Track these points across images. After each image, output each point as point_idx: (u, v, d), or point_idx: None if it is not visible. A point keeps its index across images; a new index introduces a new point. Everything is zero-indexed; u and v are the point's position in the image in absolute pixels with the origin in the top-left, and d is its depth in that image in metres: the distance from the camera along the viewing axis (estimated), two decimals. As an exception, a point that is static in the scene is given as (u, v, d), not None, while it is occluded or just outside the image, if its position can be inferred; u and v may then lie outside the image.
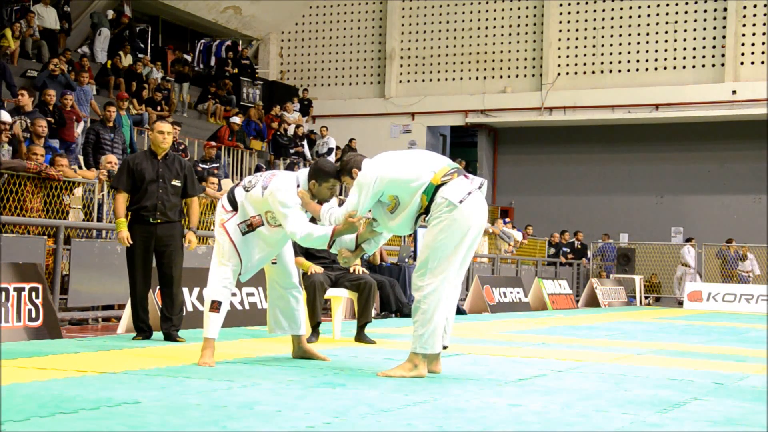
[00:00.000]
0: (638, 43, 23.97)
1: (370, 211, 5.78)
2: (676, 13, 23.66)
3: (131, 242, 7.64)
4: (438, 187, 5.49)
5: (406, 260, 13.43)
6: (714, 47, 23.38)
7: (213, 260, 6.04)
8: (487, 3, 25.23)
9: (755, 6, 23.02)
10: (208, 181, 12.69)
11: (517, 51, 24.98)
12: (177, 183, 7.82)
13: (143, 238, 7.71)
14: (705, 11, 23.49)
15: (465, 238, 5.49)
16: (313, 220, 5.94)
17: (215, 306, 5.91)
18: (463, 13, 25.35)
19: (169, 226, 7.78)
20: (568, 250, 21.84)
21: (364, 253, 6.02)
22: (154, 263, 7.87)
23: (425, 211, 5.55)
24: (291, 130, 21.86)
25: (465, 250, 5.56)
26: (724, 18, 23.19)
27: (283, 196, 5.77)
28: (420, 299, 5.47)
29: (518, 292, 16.16)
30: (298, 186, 5.89)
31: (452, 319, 5.80)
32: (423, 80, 25.69)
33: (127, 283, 7.87)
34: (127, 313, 8.43)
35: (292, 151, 21.05)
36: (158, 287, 8.05)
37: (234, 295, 9.32)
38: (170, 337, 7.78)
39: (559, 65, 24.53)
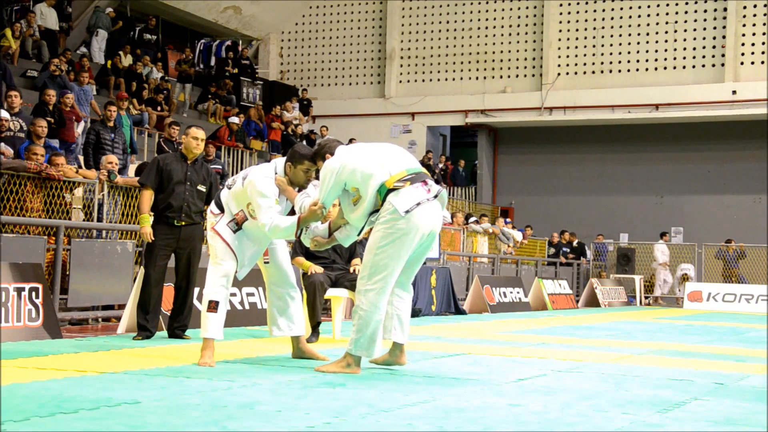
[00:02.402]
0: (638, 43, 23.96)
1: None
2: (676, 13, 23.66)
3: (153, 238, 7.70)
4: (390, 191, 5.50)
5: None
6: (714, 47, 23.37)
7: (209, 263, 6.07)
8: (487, 3, 25.23)
9: (755, 6, 23.02)
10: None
11: (517, 51, 24.98)
12: (202, 188, 7.96)
13: (166, 240, 7.78)
14: (705, 11, 23.49)
15: (409, 246, 5.52)
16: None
17: (212, 306, 5.94)
18: (463, 13, 25.35)
19: (192, 228, 7.91)
20: (568, 250, 21.84)
21: (336, 243, 6.02)
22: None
23: (378, 209, 5.58)
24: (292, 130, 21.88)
25: (409, 256, 5.59)
26: (724, 18, 23.18)
27: (260, 184, 5.82)
28: (359, 304, 5.55)
29: (518, 292, 16.16)
30: (276, 173, 5.93)
31: (407, 318, 5.84)
32: (423, 80, 25.69)
33: (128, 283, 7.88)
34: (127, 313, 8.42)
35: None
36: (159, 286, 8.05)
37: (234, 295, 9.34)
38: (177, 335, 7.82)
39: (559, 65, 24.52)
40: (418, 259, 5.75)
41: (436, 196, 5.61)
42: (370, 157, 5.64)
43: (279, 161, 6.04)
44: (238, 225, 6.00)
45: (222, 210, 6.07)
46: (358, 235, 5.87)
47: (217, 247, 6.00)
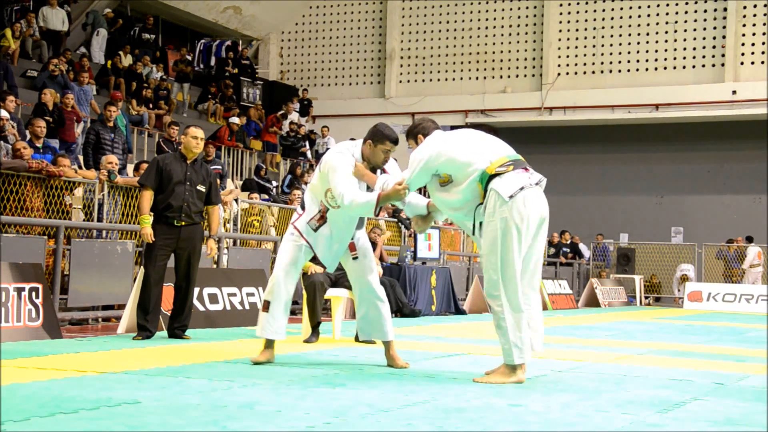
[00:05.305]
0: (638, 43, 23.95)
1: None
2: (676, 13, 23.65)
3: (154, 239, 7.71)
4: (492, 177, 5.32)
5: (406, 260, 13.42)
6: (714, 47, 23.37)
7: (277, 260, 6.05)
8: (487, 3, 25.23)
9: (755, 6, 23.01)
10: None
11: (517, 51, 24.98)
12: (202, 188, 7.96)
13: (166, 240, 7.78)
14: (705, 11, 23.49)
15: (521, 234, 5.25)
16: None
17: (265, 306, 5.95)
18: (463, 13, 25.34)
19: (192, 228, 7.91)
20: (568, 250, 21.84)
21: (431, 220, 5.88)
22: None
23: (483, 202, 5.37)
24: (287, 129, 21.83)
25: (527, 246, 5.32)
26: (724, 18, 23.18)
27: (334, 160, 5.69)
28: (498, 310, 5.26)
29: (518, 292, 16.12)
30: (354, 156, 5.80)
31: (540, 323, 5.49)
32: (423, 80, 25.68)
33: (128, 283, 7.88)
34: (127, 313, 8.42)
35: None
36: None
37: (234, 295, 9.36)
38: (176, 335, 7.83)
39: (559, 65, 24.52)
40: (533, 252, 5.39)
41: (537, 183, 5.39)
42: (468, 145, 5.48)
43: (356, 144, 5.88)
44: (320, 221, 5.87)
45: (304, 209, 5.98)
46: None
47: (290, 244, 5.92)
